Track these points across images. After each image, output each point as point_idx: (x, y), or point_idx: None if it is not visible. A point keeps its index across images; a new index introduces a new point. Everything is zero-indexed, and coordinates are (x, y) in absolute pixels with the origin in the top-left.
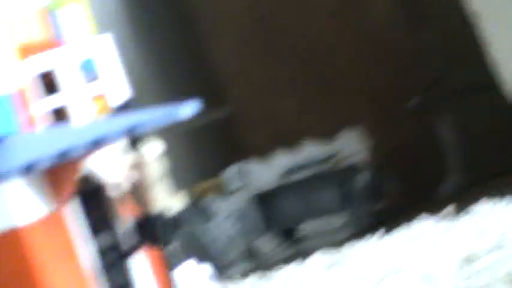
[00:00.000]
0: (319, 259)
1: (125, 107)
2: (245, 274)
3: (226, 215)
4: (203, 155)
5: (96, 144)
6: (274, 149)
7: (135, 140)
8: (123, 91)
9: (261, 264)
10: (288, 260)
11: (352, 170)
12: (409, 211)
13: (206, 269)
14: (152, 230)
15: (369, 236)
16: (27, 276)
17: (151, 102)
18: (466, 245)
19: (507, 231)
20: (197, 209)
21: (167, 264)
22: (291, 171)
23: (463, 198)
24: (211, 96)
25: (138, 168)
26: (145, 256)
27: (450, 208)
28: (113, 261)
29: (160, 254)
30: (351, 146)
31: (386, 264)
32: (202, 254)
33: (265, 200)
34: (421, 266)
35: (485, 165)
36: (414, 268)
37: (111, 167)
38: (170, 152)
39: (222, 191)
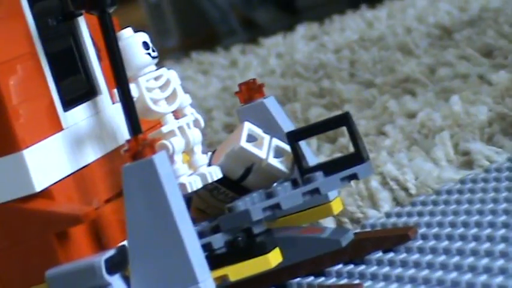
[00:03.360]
0: (309, 29)
1: None
2: (242, 41)
3: None
4: None
5: None
6: None
7: None
8: None
9: (257, 33)
10: (284, 29)
11: None
12: None
13: (142, 36)
14: None
15: (362, 5)
16: None
17: None
18: (448, 18)
19: (488, 5)
20: None
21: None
22: None
23: None
24: None
25: None
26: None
27: None
28: (57, 24)
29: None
30: None
31: (369, 33)
32: (200, 22)
33: None
34: (402, 37)
35: None
36: (395, 39)
37: None
38: None
39: None
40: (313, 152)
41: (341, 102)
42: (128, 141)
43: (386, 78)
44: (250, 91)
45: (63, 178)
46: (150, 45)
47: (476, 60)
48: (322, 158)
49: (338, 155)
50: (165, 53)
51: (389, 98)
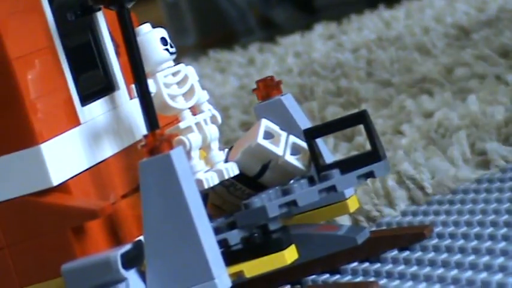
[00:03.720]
0: (326, 28)
1: None
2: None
3: None
4: None
5: None
6: None
7: None
8: None
9: (275, 32)
10: (302, 27)
11: None
12: None
13: (160, 31)
14: None
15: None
16: None
17: None
18: (466, 18)
19: (506, 5)
20: None
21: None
22: None
23: None
24: None
25: None
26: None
27: None
28: (76, 19)
29: (121, 14)
30: None
31: (387, 33)
32: (219, 20)
33: None
34: (419, 37)
35: None
36: (412, 39)
37: None
38: None
39: None
40: (329, 151)
41: (358, 101)
42: (145, 136)
43: (404, 77)
44: (268, 88)
45: (80, 173)
46: (168, 41)
47: (494, 60)
48: (339, 157)
49: (355, 153)
50: (183, 51)
51: (407, 98)
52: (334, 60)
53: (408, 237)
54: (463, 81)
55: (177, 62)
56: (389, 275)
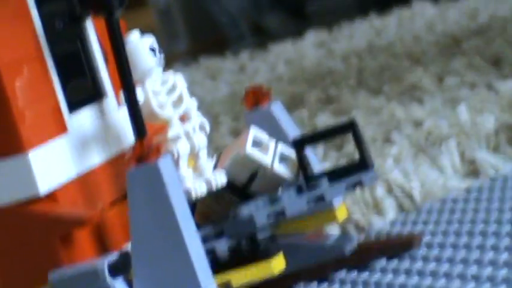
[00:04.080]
0: (317, 36)
1: None
2: (251, 46)
3: None
4: None
5: None
6: None
7: None
8: None
9: (266, 38)
10: (293, 34)
11: None
12: None
13: (149, 40)
14: None
15: (371, 12)
16: None
17: None
18: (457, 26)
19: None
20: None
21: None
22: None
23: None
24: None
25: None
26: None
27: None
28: (64, 27)
29: (110, 22)
30: None
31: (378, 41)
32: (210, 26)
33: None
34: (410, 45)
35: None
36: (403, 47)
37: None
38: None
39: None
40: (319, 159)
41: (348, 109)
42: (133, 145)
43: (394, 85)
44: (257, 96)
45: (68, 181)
46: (157, 49)
47: (484, 69)
48: (328, 165)
49: (344, 162)
50: (174, 57)
51: (397, 106)
52: (325, 68)
53: (397, 247)
54: (453, 89)
55: (168, 68)
56: (377, 285)
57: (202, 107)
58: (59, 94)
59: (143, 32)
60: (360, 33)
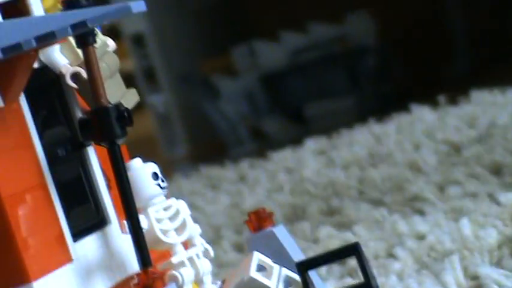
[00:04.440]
0: (317, 143)
1: (76, 4)
2: (250, 153)
3: (233, 94)
4: (212, 33)
5: (48, 38)
6: (282, 29)
7: (86, 34)
8: None
9: (265, 143)
10: (292, 140)
11: (359, 52)
12: (413, 95)
13: (151, 166)
14: (102, 126)
15: (370, 118)
16: None
17: None
18: (457, 134)
19: (496, 121)
20: (205, 87)
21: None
22: (298, 52)
23: (464, 84)
24: None
25: (90, 62)
26: (96, 151)
27: (446, 96)
28: (66, 154)
29: (112, 150)
30: (359, 28)
31: (378, 149)
32: (209, 130)
33: (273, 81)
34: (410, 153)
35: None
36: (403, 156)
37: (68, 57)
38: (180, 29)
39: (229, 70)
40: (322, 275)
41: (350, 222)
42: (137, 274)
43: (395, 196)
44: (260, 220)
45: None
46: (160, 175)
47: (485, 178)
48: (332, 281)
49: (348, 279)
50: (173, 163)
51: (399, 218)
52: (326, 178)
53: None
54: (455, 200)
55: (168, 177)
56: None
57: (204, 219)
58: (62, 222)
59: (144, 159)
60: (359, 140)
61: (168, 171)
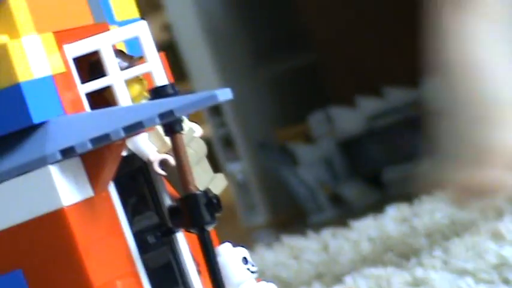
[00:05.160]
0: (398, 210)
1: (163, 92)
2: (330, 220)
3: (311, 161)
4: (288, 100)
5: (135, 128)
6: (358, 94)
7: (174, 122)
8: (161, 76)
9: (345, 210)
10: (372, 206)
11: (437, 116)
12: None
13: (241, 251)
14: (191, 213)
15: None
16: (71, 256)
17: (236, 45)
18: None
19: None
20: (282, 154)
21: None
22: (375, 117)
23: None
24: (296, 42)
25: (178, 149)
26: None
27: None
28: (156, 241)
29: (202, 236)
30: (436, 91)
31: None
32: (288, 197)
33: (350, 146)
34: (493, 221)
35: None
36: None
37: (156, 145)
38: (256, 96)
39: (306, 136)
40: None
41: None
42: None
43: (479, 263)
44: None
45: None
46: (249, 260)
47: None
48: None
49: None
50: (252, 231)
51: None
52: (409, 247)
53: None
54: None
55: (249, 246)
56: None
57: None
58: None
59: (234, 244)
60: (440, 207)
61: (247, 239)
